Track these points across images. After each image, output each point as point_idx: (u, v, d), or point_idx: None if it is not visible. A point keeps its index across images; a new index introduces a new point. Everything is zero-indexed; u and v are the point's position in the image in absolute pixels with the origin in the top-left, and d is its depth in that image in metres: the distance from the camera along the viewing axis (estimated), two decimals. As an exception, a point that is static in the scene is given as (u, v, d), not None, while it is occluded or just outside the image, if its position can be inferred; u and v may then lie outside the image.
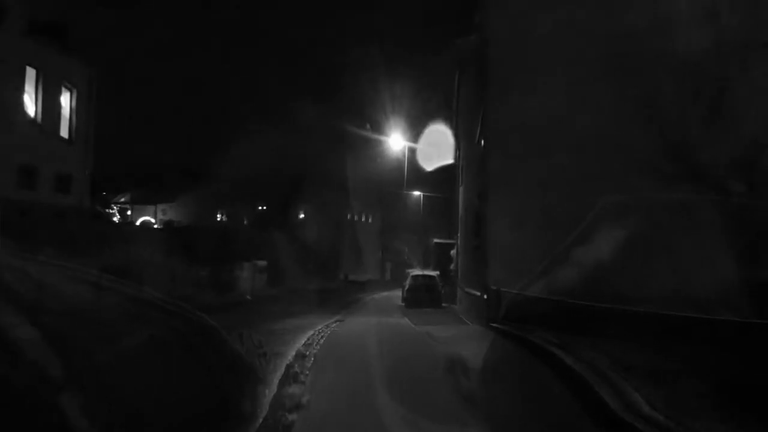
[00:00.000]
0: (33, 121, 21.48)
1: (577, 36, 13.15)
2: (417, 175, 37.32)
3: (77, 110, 23.75)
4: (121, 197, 45.04)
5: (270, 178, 38.71)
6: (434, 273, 26.03)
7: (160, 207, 45.04)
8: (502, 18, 14.70)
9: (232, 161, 34.53)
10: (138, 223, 40.92)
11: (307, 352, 10.16)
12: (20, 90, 20.63)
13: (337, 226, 42.21)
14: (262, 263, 26.49)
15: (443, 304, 23.54)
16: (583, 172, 12.49)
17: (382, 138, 35.27)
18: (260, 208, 45.44)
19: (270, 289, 26.19)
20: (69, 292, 6.98)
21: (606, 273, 10.41)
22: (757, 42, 11.28)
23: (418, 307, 22.40)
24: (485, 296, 14.22)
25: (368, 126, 34.89)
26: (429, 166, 32.18)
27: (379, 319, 18.39)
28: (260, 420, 5.92)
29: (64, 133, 23.32)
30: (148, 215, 44.31)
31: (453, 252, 26.36)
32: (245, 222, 43.21)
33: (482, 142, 15.97)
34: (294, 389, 7.13)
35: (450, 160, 27.80)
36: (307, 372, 8.37)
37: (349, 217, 47.58)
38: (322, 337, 12.56)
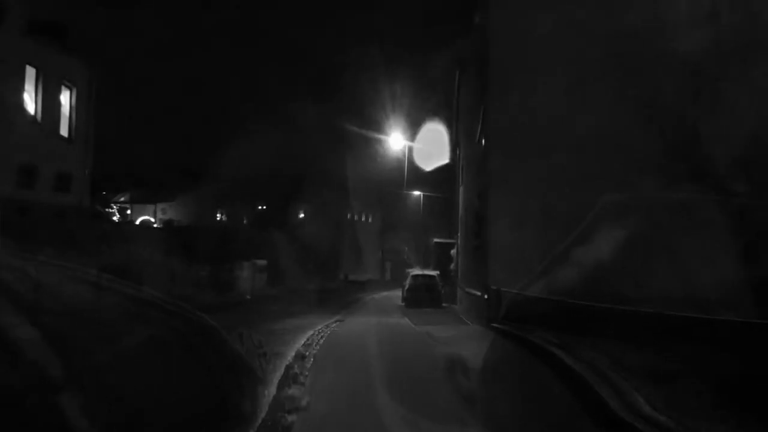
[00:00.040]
0: (33, 120, 21.46)
1: (578, 36, 13.13)
2: (417, 175, 37.33)
3: (77, 109, 23.74)
4: (121, 197, 45.05)
5: (270, 177, 38.70)
6: (434, 273, 26.00)
7: (160, 206, 45.03)
8: (502, 18, 14.68)
9: (231, 161, 34.50)
10: (138, 222, 40.91)
11: (307, 353, 10.14)
12: (20, 89, 20.62)
13: (337, 226, 42.18)
14: (262, 263, 26.46)
15: (443, 304, 23.52)
16: (583, 171, 12.47)
17: (382, 137, 35.27)
18: (260, 207, 45.43)
19: (270, 289, 26.16)
20: (69, 292, 6.98)
21: (606, 273, 10.40)
22: (756, 42, 11.28)
23: (418, 307, 22.38)
24: (485, 296, 14.21)
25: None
26: (429, 166, 32.17)
27: (379, 319, 18.37)
28: (259, 421, 5.90)
29: (63, 132, 23.31)
30: (148, 215, 44.29)
31: (453, 251, 26.34)
32: (245, 222, 43.20)
33: (482, 141, 15.96)
34: (294, 390, 7.10)
35: (449, 160, 27.79)
36: (307, 373, 8.33)
37: (349, 216, 47.56)
38: (321, 337, 12.54)
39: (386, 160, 37.81)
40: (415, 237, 47.24)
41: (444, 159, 27.71)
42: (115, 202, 43.09)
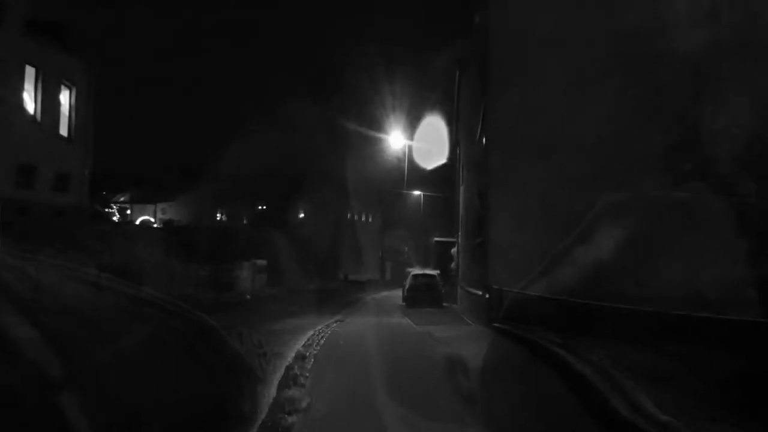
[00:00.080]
0: (32, 120, 21.46)
1: (578, 35, 13.13)
2: (418, 174, 37.28)
3: (77, 109, 23.74)
4: (121, 197, 45.06)
5: (270, 177, 38.68)
6: (435, 272, 25.96)
7: (160, 206, 45.02)
8: (502, 17, 14.67)
9: (231, 161, 34.48)
10: (137, 222, 40.90)
11: (307, 353, 10.07)
12: (19, 89, 20.61)
13: (337, 226, 42.15)
14: (262, 263, 26.43)
15: (444, 304, 23.49)
16: (584, 170, 12.46)
17: (382, 137, 35.24)
18: (260, 207, 45.42)
19: (270, 289, 26.14)
20: (68, 292, 6.97)
21: (607, 272, 10.38)
22: (757, 41, 11.27)
23: (419, 307, 22.34)
24: (486, 295, 14.18)
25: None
26: (429, 165, 32.12)
27: (379, 319, 18.34)
28: (259, 422, 5.88)
29: (63, 132, 23.31)
30: (148, 215, 44.29)
31: (453, 251, 26.29)
32: (245, 221, 43.20)
33: (483, 140, 15.94)
34: (294, 392, 7.03)
35: (447, 159, 27.74)
36: (307, 374, 8.26)
37: (349, 216, 47.56)
38: (322, 337, 12.49)
39: (386, 159, 37.79)
40: (416, 236, 47.23)
41: (444, 158, 27.67)
42: (115, 202, 43.10)
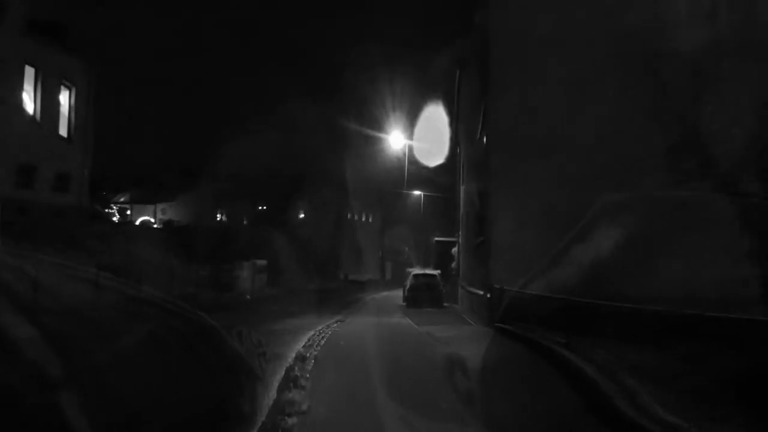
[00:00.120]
0: (32, 120, 21.45)
1: (578, 35, 13.10)
2: (418, 174, 37.29)
3: (76, 110, 23.74)
4: (121, 197, 45.04)
5: (270, 177, 38.67)
6: (435, 272, 25.94)
7: (160, 206, 45.00)
8: (502, 17, 14.64)
9: (231, 161, 34.48)
10: (137, 222, 40.87)
11: (308, 354, 9.98)
12: (19, 89, 20.60)
13: (337, 226, 42.15)
14: (262, 263, 26.43)
15: (444, 304, 23.48)
16: (585, 170, 12.42)
17: (382, 137, 35.24)
18: (260, 207, 45.39)
19: (270, 289, 26.14)
20: (68, 291, 6.95)
21: (610, 271, 10.34)
22: (757, 40, 11.24)
23: (419, 307, 22.32)
24: (488, 295, 14.14)
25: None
26: (430, 163, 32.12)
27: (380, 319, 18.30)
28: (259, 424, 5.83)
29: (63, 132, 23.30)
30: (148, 215, 44.26)
31: (454, 250, 26.26)
32: (245, 221, 43.17)
33: (483, 140, 15.91)
34: (294, 395, 6.94)
35: (447, 159, 27.75)
36: (308, 375, 8.17)
37: (349, 216, 47.56)
38: (322, 338, 12.43)
39: (386, 159, 37.79)
40: (416, 236, 47.20)
41: (444, 157, 27.66)
42: (115, 203, 43.08)
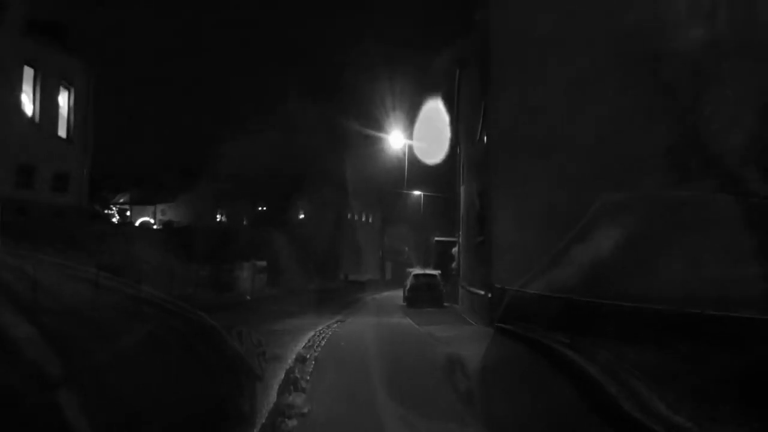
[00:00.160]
0: (31, 120, 21.43)
1: (579, 33, 13.07)
2: (418, 174, 37.29)
3: (76, 110, 23.72)
4: (121, 197, 45.01)
5: (270, 177, 38.65)
6: (436, 272, 25.94)
7: (160, 207, 44.99)
8: (503, 16, 14.62)
9: (231, 161, 34.47)
10: (137, 223, 40.87)
11: (308, 355, 9.93)
12: (18, 89, 20.58)
13: (337, 226, 42.13)
14: (262, 263, 26.44)
15: (445, 304, 23.47)
16: (586, 169, 12.38)
17: (382, 137, 35.21)
18: (260, 207, 45.37)
19: (270, 289, 26.15)
20: (67, 291, 6.93)
21: (611, 270, 10.31)
22: (756, 41, 11.22)
23: (420, 307, 22.32)
24: (489, 295, 14.11)
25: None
26: (430, 161, 32.08)
27: (380, 320, 18.28)
28: (258, 427, 5.80)
29: (62, 132, 23.29)
30: (148, 215, 44.27)
31: (454, 250, 26.25)
32: (245, 222, 43.15)
33: (484, 139, 15.88)
34: (294, 397, 6.86)
35: (448, 158, 27.71)
36: (308, 377, 8.10)
37: (349, 216, 47.52)
38: (323, 338, 12.39)
39: (386, 159, 37.78)
40: (416, 236, 47.18)
41: (445, 156, 27.62)
42: (115, 203, 43.07)
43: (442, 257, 29.57)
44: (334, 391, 7.61)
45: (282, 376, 8.08)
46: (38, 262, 7.94)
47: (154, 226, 40.05)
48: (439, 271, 26.20)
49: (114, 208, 41.18)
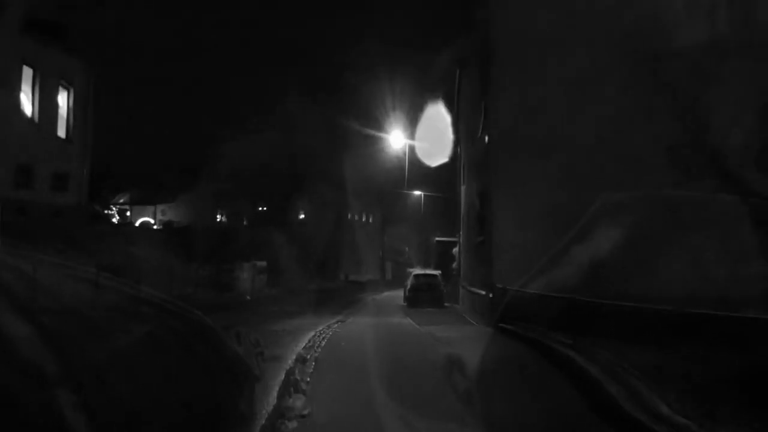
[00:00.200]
0: (30, 120, 21.41)
1: (580, 33, 13.05)
2: (418, 174, 37.25)
3: (75, 109, 23.70)
4: (121, 197, 44.99)
5: (270, 177, 38.64)
6: (436, 272, 25.92)
7: (160, 207, 44.96)
8: (503, 16, 14.59)
9: (231, 160, 34.46)
10: (137, 223, 40.85)
11: (308, 356, 9.84)
12: (17, 89, 20.56)
13: (338, 226, 42.10)
14: (262, 263, 26.41)
15: (445, 304, 23.45)
16: (587, 169, 12.36)
17: (383, 136, 35.18)
18: (260, 207, 45.35)
19: (270, 289, 26.11)
20: (66, 291, 6.90)
21: (612, 270, 10.30)
22: (756, 41, 11.20)
23: (420, 307, 22.30)
24: (490, 295, 14.08)
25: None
26: (432, 163, 32.05)
27: (381, 320, 18.23)
28: (258, 429, 5.77)
29: (61, 132, 23.26)
30: (148, 215, 44.25)
31: (455, 250, 26.24)
32: (245, 222, 43.13)
33: (485, 139, 15.85)
34: (294, 400, 6.79)
35: (449, 158, 27.67)
36: (308, 379, 8.03)
37: (349, 216, 47.50)
38: (323, 338, 12.33)
39: (387, 159, 37.77)
40: (416, 236, 47.16)
41: (446, 156, 27.59)
42: (115, 203, 43.05)
43: (442, 257, 29.56)
44: (334, 392, 7.56)
45: (282, 377, 8.01)
46: (37, 261, 7.92)
47: (154, 226, 40.05)
48: (440, 272, 26.18)
49: (114, 208, 41.17)
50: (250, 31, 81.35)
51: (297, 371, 8.42)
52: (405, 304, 24.83)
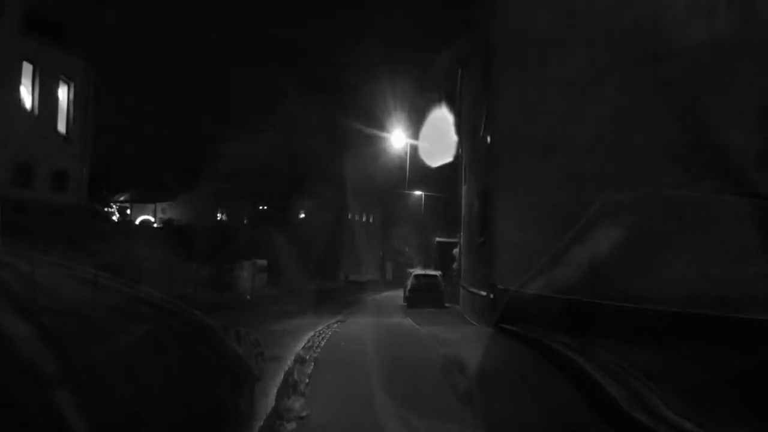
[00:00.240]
0: (30, 119, 21.41)
1: (583, 30, 13.03)
2: (419, 174, 37.20)
3: (75, 109, 23.71)
4: (121, 196, 44.95)
5: (271, 177, 38.64)
6: (437, 273, 25.93)
7: (160, 206, 44.93)
8: (505, 15, 14.56)
9: (231, 160, 34.44)
10: (137, 222, 40.86)
11: (307, 356, 9.81)
12: (17, 89, 20.57)
13: (338, 226, 42.11)
14: (262, 263, 26.40)
15: (446, 304, 23.45)
16: (589, 169, 12.33)
17: (384, 136, 35.16)
18: (260, 207, 45.34)
19: (270, 289, 26.13)
20: (65, 290, 6.89)
21: (612, 271, 10.29)
22: (757, 41, 11.19)
23: (421, 307, 22.31)
24: (491, 296, 14.05)
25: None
26: (432, 163, 32.03)
27: (381, 320, 18.22)
28: (256, 430, 5.76)
29: (62, 127, 23.27)
30: (148, 214, 44.22)
31: (455, 251, 26.26)
32: (245, 221, 43.12)
33: (487, 139, 15.82)
34: (293, 402, 6.75)
35: (452, 158, 27.65)
36: (307, 380, 7.98)
37: (349, 216, 47.50)
38: (322, 339, 12.31)
39: (387, 159, 37.75)
40: (417, 236, 47.14)
41: (448, 156, 27.56)
42: (115, 202, 43.00)
43: (443, 258, 29.58)
44: (333, 393, 7.52)
45: (281, 377, 7.99)
46: (37, 261, 7.91)
47: (155, 225, 40.05)
48: (440, 272, 26.18)
49: (114, 206, 41.14)
50: (250, 31, 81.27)
51: (296, 372, 8.40)
52: (405, 304, 24.83)
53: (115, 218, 37.11)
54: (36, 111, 21.64)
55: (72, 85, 23.46)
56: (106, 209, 36.13)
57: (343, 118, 38.85)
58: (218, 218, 44.05)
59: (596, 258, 10.43)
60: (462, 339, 12.57)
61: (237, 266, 24.65)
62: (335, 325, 15.46)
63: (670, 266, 10.54)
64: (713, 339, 6.99)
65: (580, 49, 13.05)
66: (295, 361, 9.29)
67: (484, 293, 15.32)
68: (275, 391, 7.24)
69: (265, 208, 44.88)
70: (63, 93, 23.30)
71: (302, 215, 44.38)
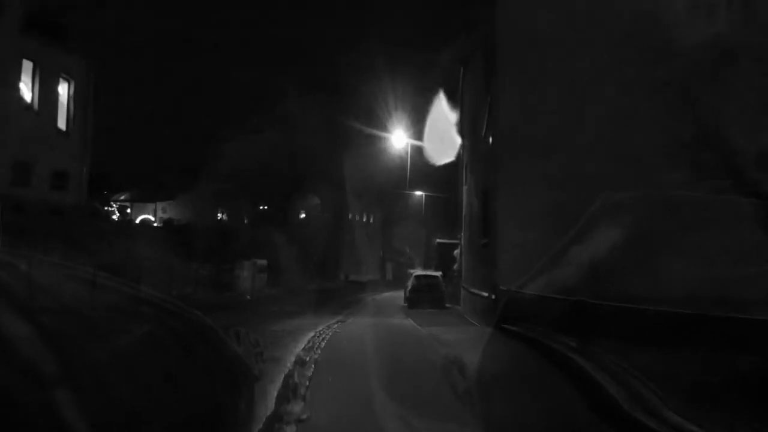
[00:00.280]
0: (30, 118, 21.41)
1: (585, 29, 13.02)
2: (420, 174, 37.17)
3: (75, 108, 23.72)
4: (121, 195, 44.97)
5: (271, 177, 38.64)
6: (437, 273, 25.93)
7: (160, 205, 44.95)
8: (507, 14, 14.54)
9: (231, 160, 34.44)
10: (138, 221, 40.86)
11: (308, 358, 9.78)
12: (17, 88, 20.58)
13: (338, 226, 42.11)
14: (262, 263, 26.40)
15: (446, 305, 23.45)
16: (595, 167, 12.30)
17: (384, 137, 35.13)
18: (260, 207, 45.35)
19: (270, 289, 26.13)
20: (64, 290, 6.89)
21: (613, 271, 10.27)
22: (757, 41, 11.18)
23: (421, 308, 22.31)
24: (492, 296, 14.03)
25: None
26: (431, 163, 31.98)
27: (381, 320, 18.21)
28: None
29: (62, 123, 23.28)
30: (148, 213, 44.24)
31: (456, 252, 26.25)
32: (246, 221, 43.13)
33: (489, 138, 15.79)
34: (293, 405, 6.69)
35: (453, 158, 27.61)
36: (308, 383, 7.92)
37: (350, 216, 47.49)
38: (323, 339, 12.28)
39: (388, 159, 37.71)
40: (417, 237, 47.14)
41: (450, 155, 27.52)
42: (115, 201, 43.02)
43: (443, 259, 29.58)
44: (333, 394, 7.50)
45: (281, 379, 7.96)
46: (36, 260, 7.91)
47: (155, 224, 40.06)
48: (441, 273, 26.19)
49: (114, 206, 41.14)
50: (250, 31, 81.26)
51: (296, 374, 8.37)
52: (405, 304, 24.84)
53: (115, 218, 37.10)
54: (36, 110, 21.64)
55: (72, 85, 23.47)
56: (106, 209, 36.15)
57: (344, 118, 38.79)
58: (218, 218, 44.05)
59: (596, 258, 10.41)
60: (462, 339, 12.56)
61: (237, 266, 24.65)
62: (335, 325, 15.45)
63: (671, 266, 10.52)
64: (713, 339, 6.98)
65: (580, 49, 13.04)
66: (295, 363, 9.27)
67: (485, 294, 15.30)
68: (275, 393, 7.21)
69: (265, 208, 44.88)
70: (63, 92, 23.32)
71: (302, 215, 44.39)
